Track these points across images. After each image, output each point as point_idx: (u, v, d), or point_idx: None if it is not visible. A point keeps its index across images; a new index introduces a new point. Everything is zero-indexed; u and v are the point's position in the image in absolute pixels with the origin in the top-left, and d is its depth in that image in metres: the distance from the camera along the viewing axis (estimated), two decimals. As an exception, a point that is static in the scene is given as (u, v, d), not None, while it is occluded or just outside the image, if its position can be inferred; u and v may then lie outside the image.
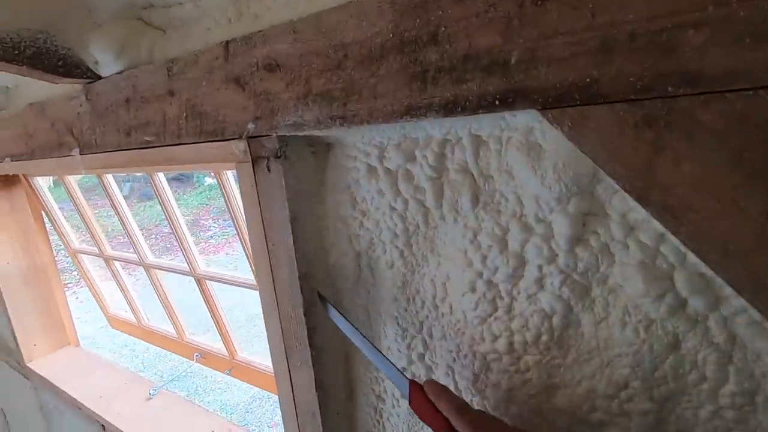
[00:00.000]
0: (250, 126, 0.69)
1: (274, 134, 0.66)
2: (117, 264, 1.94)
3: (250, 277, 1.32)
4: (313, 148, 0.73)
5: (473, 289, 0.61)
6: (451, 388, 0.68)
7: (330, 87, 0.58)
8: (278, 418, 4.61)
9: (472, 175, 0.59)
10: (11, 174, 1.70)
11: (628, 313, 0.51)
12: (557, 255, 0.54)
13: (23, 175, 1.84)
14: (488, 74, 0.45)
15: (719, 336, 0.46)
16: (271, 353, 0.82)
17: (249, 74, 0.66)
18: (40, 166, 1.27)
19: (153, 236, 11.06)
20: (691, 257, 0.46)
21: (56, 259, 2.06)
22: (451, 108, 0.49)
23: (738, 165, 0.36)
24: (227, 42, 0.68)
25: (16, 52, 0.82)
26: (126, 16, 0.89)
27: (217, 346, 1.67)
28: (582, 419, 0.56)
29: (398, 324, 0.72)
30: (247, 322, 6.01)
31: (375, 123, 0.55)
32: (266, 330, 0.81)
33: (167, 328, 1.86)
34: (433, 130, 0.60)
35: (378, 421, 0.80)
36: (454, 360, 0.67)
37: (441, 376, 0.69)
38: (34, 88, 1.21)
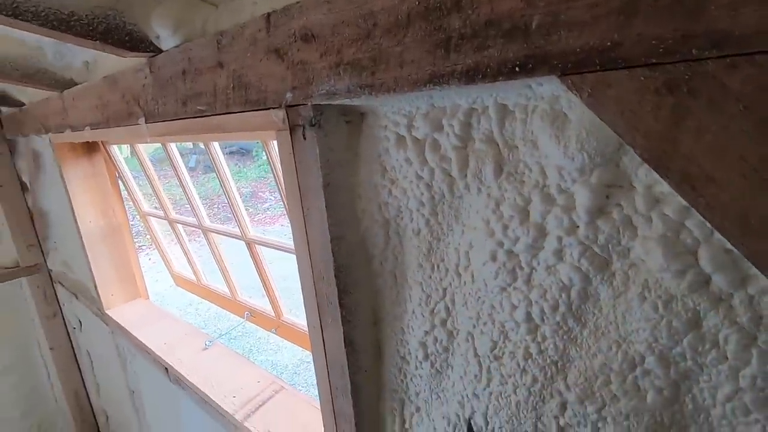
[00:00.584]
0: (288, 95, 0.73)
1: (309, 103, 0.70)
2: (180, 228, 2.12)
3: (294, 243, 1.40)
4: (346, 118, 0.75)
5: (494, 259, 0.62)
6: (470, 353, 0.70)
7: (360, 56, 0.60)
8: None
9: (497, 145, 0.59)
10: (91, 141, 1.89)
11: (647, 287, 0.50)
12: (578, 227, 0.53)
13: (101, 142, 2.04)
14: (509, 40, 0.45)
15: (743, 316, 0.45)
16: (305, 311, 0.89)
17: (288, 45, 0.70)
18: (113, 134, 1.41)
19: (216, 206, 11.80)
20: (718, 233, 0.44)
21: (130, 222, 2.29)
22: (472, 75, 0.49)
23: (765, 135, 0.34)
24: (269, 14, 0.72)
25: (90, 28, 0.92)
26: (183, -8, 0.95)
27: (267, 307, 1.79)
28: (595, 393, 0.57)
29: (422, 289, 0.75)
30: (298, 291, 6.34)
31: (401, 92, 0.57)
32: (301, 289, 0.87)
33: (222, 287, 2.02)
34: (460, 99, 0.60)
35: (402, 381, 0.84)
36: (474, 326, 0.69)
37: (461, 342, 0.72)
38: (109, 62, 1.33)
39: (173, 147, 1.69)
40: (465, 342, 0.71)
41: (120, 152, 2.20)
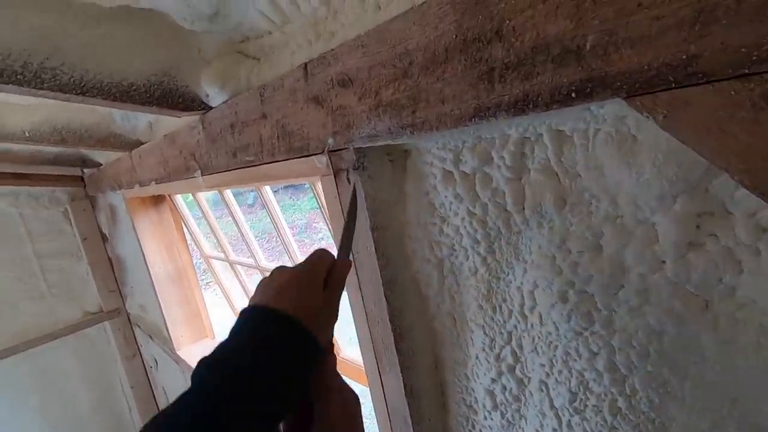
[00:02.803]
0: (330, 141, 0.72)
1: (351, 147, 0.68)
2: (239, 267, 2.20)
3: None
4: (390, 157, 0.73)
5: (564, 300, 0.56)
6: (546, 404, 0.63)
7: (398, 96, 0.58)
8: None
9: (556, 175, 0.54)
10: (157, 194, 2.03)
11: (764, 333, 0.41)
12: (664, 262, 0.46)
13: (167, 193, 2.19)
14: (560, 65, 0.40)
15: None
16: (362, 357, 0.85)
17: (326, 91, 0.70)
18: (175, 187, 1.50)
19: (275, 238, 12.29)
20: None
21: (195, 261, 2.42)
22: (521, 106, 0.45)
23: None
24: (305, 63, 0.72)
25: (148, 95, 0.98)
26: (227, 51, 1.00)
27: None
28: (707, 457, 0.47)
29: (485, 333, 0.69)
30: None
31: (444, 129, 0.53)
32: (357, 335, 0.84)
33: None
34: (509, 129, 0.55)
35: (470, 432, 0.78)
36: (548, 375, 0.61)
37: (534, 391, 0.64)
38: (168, 122, 1.43)
39: (228, 192, 1.77)
40: (538, 392, 0.64)
41: (183, 199, 2.35)
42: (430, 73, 0.53)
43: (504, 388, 0.68)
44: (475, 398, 0.74)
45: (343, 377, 0.50)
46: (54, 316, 2.95)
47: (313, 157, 0.77)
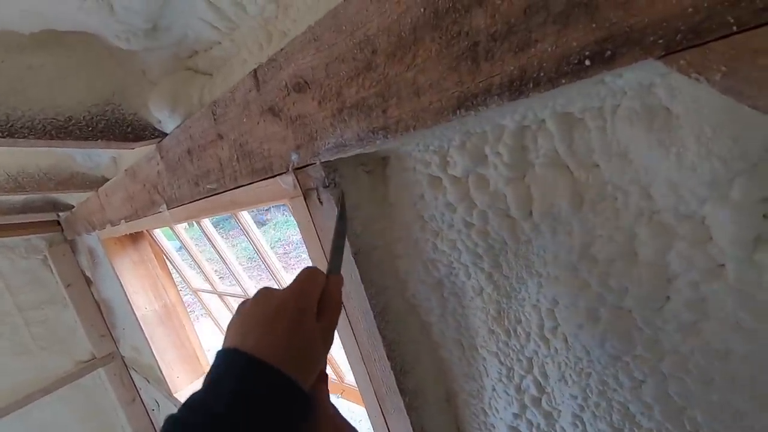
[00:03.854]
0: (294, 157, 0.62)
1: (318, 161, 0.58)
2: (230, 298, 2.08)
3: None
4: (366, 168, 0.63)
5: (595, 318, 0.45)
6: (585, 443, 0.52)
7: (364, 94, 0.48)
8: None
9: (567, 168, 0.43)
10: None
11: None
12: (723, 266, 0.36)
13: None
14: (566, 25, 0.30)
15: None
16: (363, 399, 0.74)
17: (281, 99, 0.59)
18: (144, 224, 1.38)
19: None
20: None
21: (185, 296, 2.29)
22: (518, 87, 0.34)
23: None
24: (255, 70, 0.62)
25: (90, 128, 0.87)
26: (175, 69, 0.89)
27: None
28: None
29: (500, 361, 0.58)
30: None
31: (423, 128, 0.43)
32: (353, 375, 0.73)
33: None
34: (503, 119, 0.45)
35: (497, 474, 0.67)
36: (582, 409, 0.51)
37: (567, 426, 0.54)
38: (131, 155, 1.32)
39: (206, 221, 1.65)
40: (572, 427, 0.53)
41: (163, 233, 2.22)
42: (398, 60, 0.42)
43: (530, 423, 0.58)
44: (498, 436, 0.64)
45: (347, 404, 0.41)
46: (43, 371, 2.80)
47: (277, 177, 0.66)
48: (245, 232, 1.47)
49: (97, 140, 0.88)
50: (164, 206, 1.12)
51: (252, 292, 1.79)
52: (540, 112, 0.42)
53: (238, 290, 1.84)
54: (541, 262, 0.49)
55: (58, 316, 2.88)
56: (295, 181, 0.63)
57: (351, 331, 0.67)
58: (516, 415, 0.59)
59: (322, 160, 0.57)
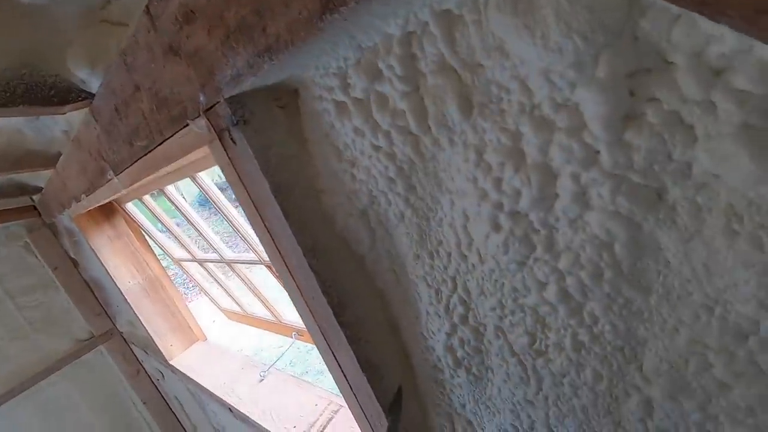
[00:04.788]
0: (201, 98, 0.59)
1: (221, 99, 0.55)
2: (212, 265, 2.09)
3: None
4: (279, 102, 0.60)
5: (497, 227, 0.45)
6: (507, 351, 0.53)
7: (243, 13, 0.44)
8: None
9: (455, 71, 0.41)
10: (101, 205, 1.89)
11: (735, 215, 0.31)
12: (598, 152, 0.35)
13: (114, 202, 2.04)
14: None
15: None
16: (311, 337, 0.76)
17: (176, 35, 0.56)
18: (101, 195, 1.36)
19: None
20: None
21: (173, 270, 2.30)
22: (366, -25, 0.32)
23: None
24: (147, 6, 0.58)
25: (8, 94, 0.83)
26: (89, 23, 0.84)
27: (308, 323, 1.71)
28: (690, 383, 0.38)
29: (428, 284, 0.59)
30: None
31: (300, 41, 0.40)
32: (299, 315, 0.74)
33: (266, 314, 1.97)
34: (388, 26, 0.43)
35: (442, 393, 0.69)
36: (501, 318, 0.52)
37: (492, 339, 0.55)
38: (76, 123, 1.27)
39: (171, 188, 1.63)
40: (496, 339, 0.54)
41: (137, 207, 2.20)
42: (261, -33, 0.39)
43: (462, 341, 0.59)
44: (437, 357, 0.65)
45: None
46: (43, 352, 2.87)
47: (192, 123, 0.64)
48: (219, 210, 1.46)
49: (18, 106, 0.84)
50: (111, 173, 1.09)
51: (230, 256, 1.79)
52: (420, 12, 0.40)
53: (215, 256, 1.85)
54: (449, 178, 0.48)
55: (50, 299, 2.91)
56: (208, 123, 0.61)
57: (287, 270, 0.68)
58: (448, 335, 0.60)
59: (226, 96, 0.55)
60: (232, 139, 0.58)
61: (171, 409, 3.30)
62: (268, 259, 1.45)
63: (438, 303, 0.59)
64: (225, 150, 0.61)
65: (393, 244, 0.61)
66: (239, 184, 0.63)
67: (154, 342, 2.15)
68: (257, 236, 0.68)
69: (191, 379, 1.93)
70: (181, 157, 0.75)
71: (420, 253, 0.57)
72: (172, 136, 0.71)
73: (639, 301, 0.38)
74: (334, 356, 0.72)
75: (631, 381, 0.42)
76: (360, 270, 0.67)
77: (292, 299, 0.71)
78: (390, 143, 0.50)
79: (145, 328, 2.12)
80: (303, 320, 0.73)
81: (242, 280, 1.79)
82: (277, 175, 0.59)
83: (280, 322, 1.86)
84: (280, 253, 0.66)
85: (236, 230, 1.44)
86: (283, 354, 2.13)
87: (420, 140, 0.48)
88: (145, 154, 0.84)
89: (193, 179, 1.39)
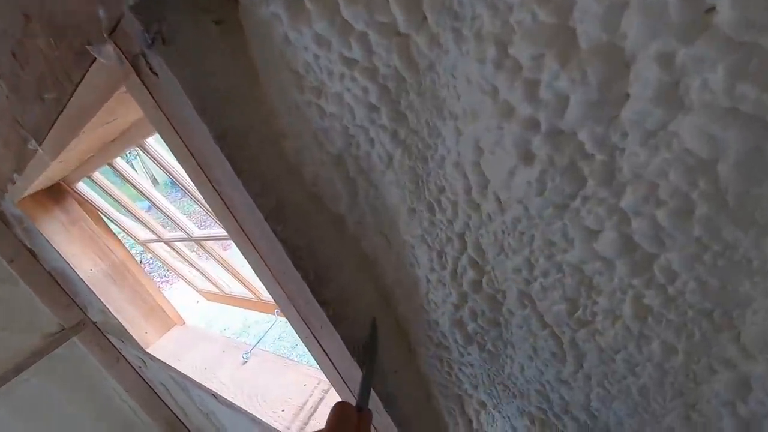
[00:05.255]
0: (101, 13, 0.42)
1: (125, 9, 0.39)
2: (183, 247, 1.93)
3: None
4: (212, 16, 0.44)
5: (527, 157, 0.32)
6: (535, 323, 0.42)
7: None
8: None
9: None
10: (41, 190, 1.69)
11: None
12: (712, 8, 0.21)
13: (63, 183, 1.83)
14: None
15: None
16: (290, 325, 0.63)
17: None
18: (34, 172, 1.16)
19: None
20: None
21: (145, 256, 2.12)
22: None
23: None
24: None
25: None
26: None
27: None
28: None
29: (428, 245, 0.46)
30: None
31: None
32: (271, 295, 0.61)
33: (246, 293, 1.84)
34: None
35: (449, 373, 0.58)
36: (528, 282, 0.40)
37: (515, 308, 0.43)
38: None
39: (121, 162, 1.44)
40: (520, 308, 0.42)
41: (91, 189, 1.99)
42: None
43: (473, 313, 0.47)
44: (442, 333, 0.54)
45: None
46: (10, 350, 2.69)
47: (98, 54, 0.47)
48: (184, 188, 1.28)
49: None
50: (33, 142, 0.91)
51: (198, 234, 1.63)
52: None
53: (182, 234, 1.68)
54: (453, 95, 0.34)
55: (10, 295, 2.70)
56: (116, 50, 0.44)
57: (248, 240, 0.54)
58: (456, 306, 0.48)
59: (131, 3, 0.39)
60: (151, 68, 0.42)
61: (157, 394, 3.20)
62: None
63: (442, 268, 0.46)
64: (146, 87, 0.45)
65: (380, 197, 0.48)
66: (171, 133, 0.48)
67: (127, 331, 2.00)
68: (206, 201, 0.54)
69: (171, 366, 1.81)
70: (100, 108, 0.59)
71: (416, 207, 0.44)
72: (82, 79, 0.55)
73: (746, 244, 0.26)
74: (318, 342, 0.59)
75: (722, 355, 0.31)
76: (340, 234, 0.53)
77: (259, 276, 0.58)
78: (368, 52, 0.36)
79: (115, 316, 1.96)
80: (276, 301, 0.60)
81: (216, 259, 1.65)
82: (220, 117, 0.44)
83: (260, 299, 1.73)
84: (236, 219, 0.52)
85: (204, 207, 1.28)
86: (266, 333, 2.03)
87: (411, 41, 0.33)
88: (61, 111, 0.67)
89: (152, 158, 1.22)
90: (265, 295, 1.77)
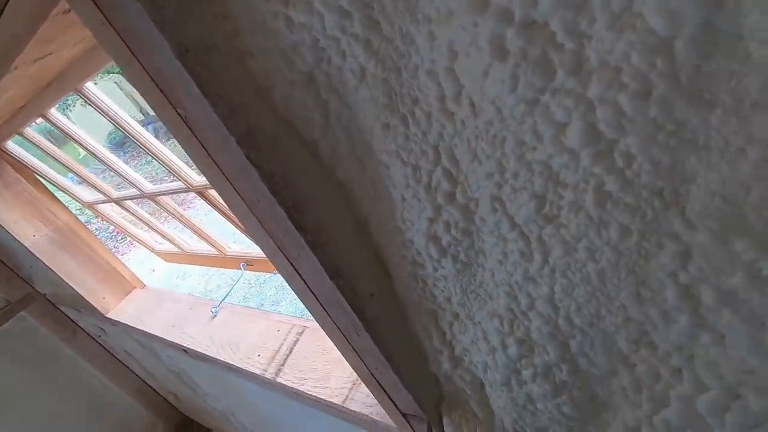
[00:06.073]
0: None
1: None
2: (133, 204, 1.83)
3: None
4: None
5: (501, 53, 0.33)
6: (505, 225, 0.45)
7: None
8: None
9: None
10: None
11: None
12: None
13: (-10, 145, 1.66)
14: None
15: None
16: (264, 253, 0.63)
17: None
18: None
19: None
20: None
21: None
22: None
23: None
24: None
25: None
26: None
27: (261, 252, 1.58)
28: (744, 218, 0.31)
29: (403, 161, 0.47)
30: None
31: None
32: (246, 230, 0.60)
33: (209, 250, 1.80)
34: None
35: (423, 290, 0.62)
36: (499, 186, 0.42)
37: (486, 215, 0.46)
38: None
39: (61, 117, 1.31)
40: (492, 214, 0.45)
41: (24, 149, 1.82)
42: None
43: (447, 225, 0.50)
44: (417, 251, 0.56)
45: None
46: (-49, 329, 2.51)
47: (30, -41, 0.42)
48: (138, 142, 1.19)
49: None
50: (-47, 85, 0.81)
51: (150, 189, 1.55)
52: None
53: (134, 192, 1.60)
54: (427, -6, 0.34)
55: (-58, 271, 2.49)
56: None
57: (218, 170, 0.52)
58: (431, 220, 0.50)
59: None
60: (96, -26, 0.39)
61: (122, 362, 3.15)
62: (201, 177, 1.25)
63: (417, 183, 0.48)
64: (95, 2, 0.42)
65: (353, 118, 0.48)
66: (125, 53, 0.45)
67: (83, 298, 1.92)
68: (171, 131, 0.51)
69: (136, 329, 1.77)
70: (33, 35, 0.53)
71: (390, 122, 0.45)
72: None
73: (695, 121, 0.29)
74: (295, 268, 0.60)
75: (668, 230, 0.35)
76: (315, 161, 0.53)
77: (232, 208, 0.57)
78: (339, -51, 0.34)
79: (69, 284, 1.87)
80: (250, 233, 0.60)
81: (174, 216, 1.59)
82: (181, 31, 0.42)
83: (225, 255, 1.71)
84: (204, 148, 0.50)
85: (162, 163, 1.21)
86: (233, 286, 2.01)
87: (384, -65, 0.33)
88: (-14, 42, 0.60)
89: (104, 114, 1.12)
90: (231, 249, 1.74)
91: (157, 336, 1.65)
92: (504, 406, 0.67)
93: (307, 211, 0.54)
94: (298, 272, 0.61)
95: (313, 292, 0.64)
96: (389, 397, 0.77)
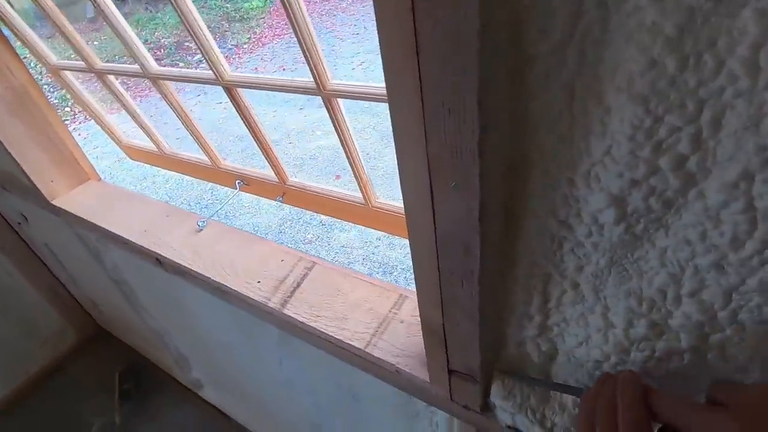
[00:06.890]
0: None
1: None
2: (117, 84, 1.56)
3: (305, 78, 0.97)
4: None
5: None
6: (736, 207, 0.42)
7: None
8: (310, 235, 4.81)
9: None
10: None
11: None
12: None
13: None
14: None
15: None
16: (400, 175, 0.55)
17: None
18: None
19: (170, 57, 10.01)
20: None
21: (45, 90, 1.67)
22: None
23: None
24: None
25: None
26: None
27: (263, 171, 1.43)
28: None
29: (641, 106, 0.42)
30: (296, 148, 5.74)
31: None
32: (394, 139, 0.51)
33: (197, 155, 1.61)
34: None
35: (555, 253, 0.57)
36: (763, 166, 0.38)
37: (713, 194, 0.42)
38: None
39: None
40: (720, 194, 0.42)
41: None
42: None
43: (651, 191, 0.45)
44: (579, 211, 0.52)
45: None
46: None
47: None
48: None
49: None
50: None
51: (152, 65, 1.32)
52: None
53: (136, 68, 1.35)
54: None
55: None
56: None
57: (416, 58, 0.43)
58: (634, 182, 0.46)
59: None
60: None
61: (39, 257, 2.83)
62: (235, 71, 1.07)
63: (647, 138, 0.43)
64: None
65: (604, 42, 0.41)
66: None
67: (25, 174, 1.65)
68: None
69: (88, 222, 1.56)
70: None
71: (659, 58, 0.39)
72: None
73: None
74: (433, 201, 0.53)
75: None
76: (516, 78, 0.46)
77: (393, 111, 0.48)
78: None
79: (10, 154, 1.59)
80: (399, 152, 0.51)
81: (168, 103, 1.38)
82: None
83: (217, 166, 1.54)
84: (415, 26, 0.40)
85: (191, 32, 1.02)
86: (222, 207, 1.83)
87: None
88: None
89: None
90: (225, 162, 1.57)
91: (123, 237, 1.46)
92: (575, 379, 0.67)
93: (490, 134, 0.47)
94: (433, 203, 0.54)
95: (436, 226, 0.57)
96: (446, 351, 0.74)
